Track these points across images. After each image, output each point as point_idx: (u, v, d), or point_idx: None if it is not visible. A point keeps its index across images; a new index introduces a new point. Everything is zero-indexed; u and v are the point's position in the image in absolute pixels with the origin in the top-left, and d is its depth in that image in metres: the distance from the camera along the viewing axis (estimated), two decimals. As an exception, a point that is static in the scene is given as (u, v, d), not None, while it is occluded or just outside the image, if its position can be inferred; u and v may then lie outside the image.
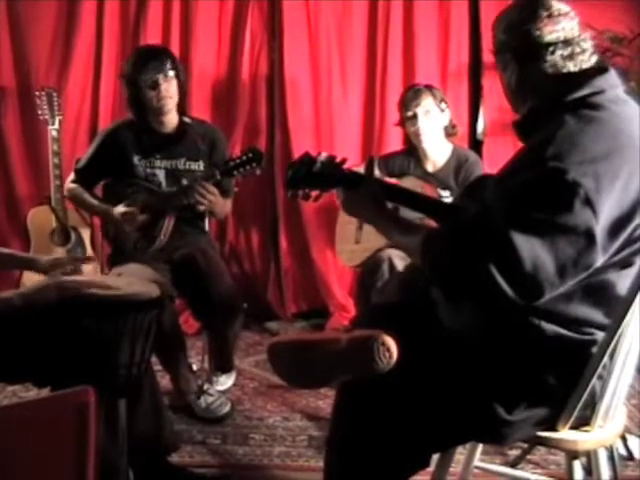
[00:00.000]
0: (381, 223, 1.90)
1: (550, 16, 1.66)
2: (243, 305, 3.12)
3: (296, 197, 2.09)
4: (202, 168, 3.12)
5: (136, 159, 3.07)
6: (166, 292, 2.46)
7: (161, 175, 3.09)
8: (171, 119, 3.12)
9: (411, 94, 3.24)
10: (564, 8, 1.69)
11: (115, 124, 3.25)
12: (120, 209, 2.99)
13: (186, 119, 3.18)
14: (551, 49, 1.66)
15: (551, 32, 1.66)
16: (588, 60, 1.68)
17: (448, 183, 3.22)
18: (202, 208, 2.99)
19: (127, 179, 3.06)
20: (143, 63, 2.99)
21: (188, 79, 3.21)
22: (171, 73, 3.01)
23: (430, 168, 3.31)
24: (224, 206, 3.12)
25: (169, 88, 3.01)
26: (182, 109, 3.16)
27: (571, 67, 1.67)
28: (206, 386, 3.01)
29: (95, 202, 3.14)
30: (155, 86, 2.99)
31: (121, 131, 3.13)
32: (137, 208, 2.97)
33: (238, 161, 2.88)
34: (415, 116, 3.21)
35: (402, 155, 3.39)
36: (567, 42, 1.66)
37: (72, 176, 3.23)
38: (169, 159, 3.10)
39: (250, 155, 2.87)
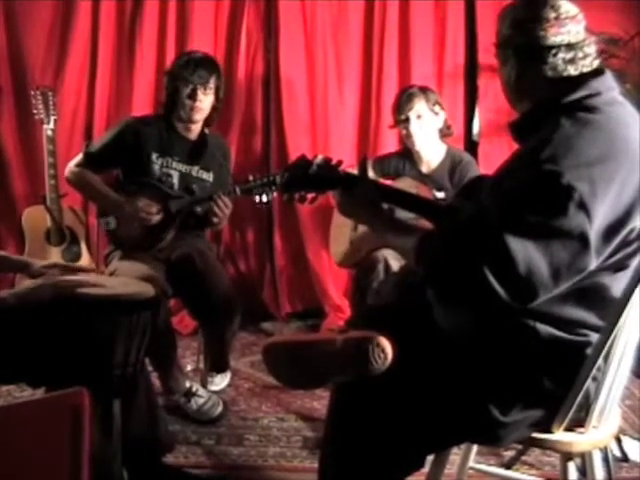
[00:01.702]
0: (376, 224, 1.90)
1: (557, 18, 1.63)
2: (240, 305, 3.12)
3: (292, 200, 2.10)
4: (212, 179, 3.16)
5: (154, 156, 3.06)
6: (161, 289, 2.46)
7: (174, 177, 3.09)
8: (196, 128, 3.14)
9: (404, 98, 3.25)
10: (572, 10, 1.66)
11: (139, 117, 3.23)
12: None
13: (206, 130, 3.20)
14: (553, 52, 1.64)
15: (556, 35, 1.64)
16: (589, 65, 1.66)
17: (443, 184, 3.23)
18: (216, 220, 3.00)
19: (142, 176, 3.04)
20: (190, 69, 3.00)
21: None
22: (212, 88, 3.04)
23: (424, 169, 3.31)
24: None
25: (204, 100, 3.04)
26: (209, 122, 3.18)
27: (572, 71, 1.65)
28: (194, 388, 2.99)
29: (108, 191, 3.05)
30: (193, 95, 3.01)
31: (145, 124, 3.11)
32: (156, 206, 2.98)
33: (259, 182, 2.92)
34: (407, 120, 3.22)
35: (397, 156, 3.41)
36: (570, 46, 1.64)
37: (79, 159, 3.13)
38: (185, 164, 3.11)
39: (271, 178, 2.92)
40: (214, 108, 3.13)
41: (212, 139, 3.21)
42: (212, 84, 3.04)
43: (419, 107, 3.21)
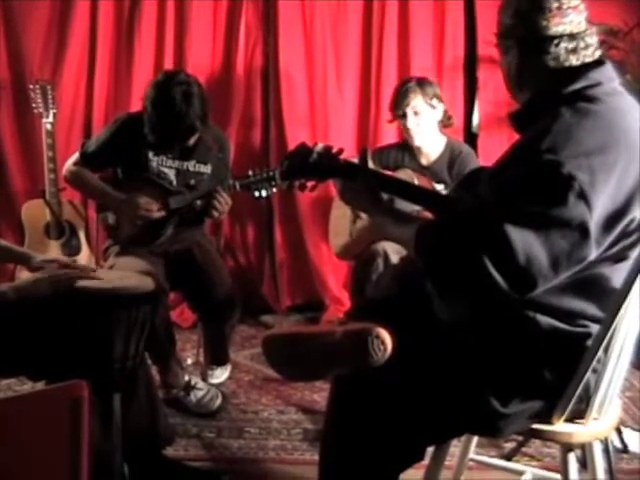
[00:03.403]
0: (376, 213, 1.90)
1: (559, 8, 1.63)
2: (240, 298, 3.11)
3: (292, 188, 2.09)
4: (209, 172, 3.11)
5: (151, 154, 3.02)
6: (159, 286, 2.46)
7: (171, 174, 3.06)
8: None
9: (400, 93, 3.21)
10: (574, 0, 1.65)
11: (134, 113, 3.13)
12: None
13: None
14: (556, 42, 1.63)
15: (558, 25, 1.63)
16: (591, 55, 1.66)
17: (442, 177, 3.21)
18: (215, 215, 2.97)
19: (140, 173, 3.01)
20: (157, 139, 2.91)
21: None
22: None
23: (424, 162, 3.30)
24: None
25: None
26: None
27: (573, 61, 1.65)
28: (193, 381, 3.00)
29: (107, 189, 3.02)
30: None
31: (140, 122, 3.00)
32: (157, 204, 2.96)
33: (259, 177, 2.90)
34: (405, 115, 3.20)
35: (396, 148, 3.39)
36: (573, 36, 1.64)
37: (75, 159, 3.08)
38: (181, 160, 3.07)
39: (271, 174, 2.89)
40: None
41: (206, 131, 3.12)
42: (188, 141, 2.97)
43: (415, 103, 3.17)
